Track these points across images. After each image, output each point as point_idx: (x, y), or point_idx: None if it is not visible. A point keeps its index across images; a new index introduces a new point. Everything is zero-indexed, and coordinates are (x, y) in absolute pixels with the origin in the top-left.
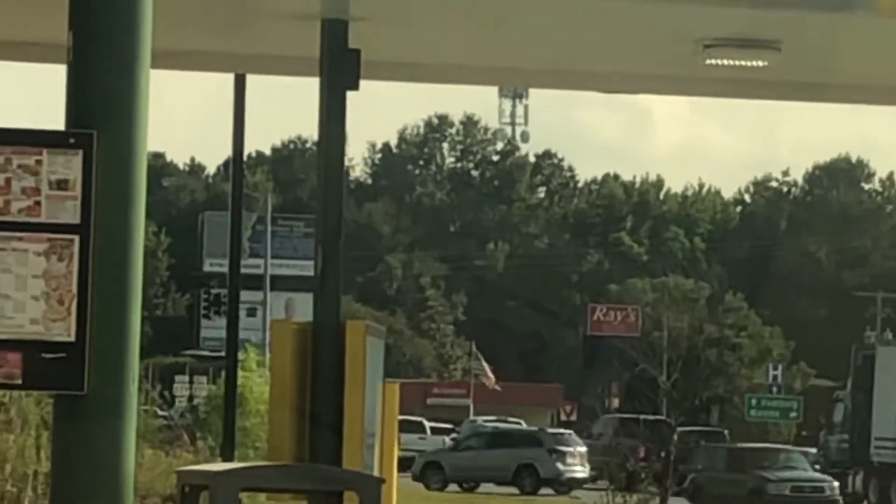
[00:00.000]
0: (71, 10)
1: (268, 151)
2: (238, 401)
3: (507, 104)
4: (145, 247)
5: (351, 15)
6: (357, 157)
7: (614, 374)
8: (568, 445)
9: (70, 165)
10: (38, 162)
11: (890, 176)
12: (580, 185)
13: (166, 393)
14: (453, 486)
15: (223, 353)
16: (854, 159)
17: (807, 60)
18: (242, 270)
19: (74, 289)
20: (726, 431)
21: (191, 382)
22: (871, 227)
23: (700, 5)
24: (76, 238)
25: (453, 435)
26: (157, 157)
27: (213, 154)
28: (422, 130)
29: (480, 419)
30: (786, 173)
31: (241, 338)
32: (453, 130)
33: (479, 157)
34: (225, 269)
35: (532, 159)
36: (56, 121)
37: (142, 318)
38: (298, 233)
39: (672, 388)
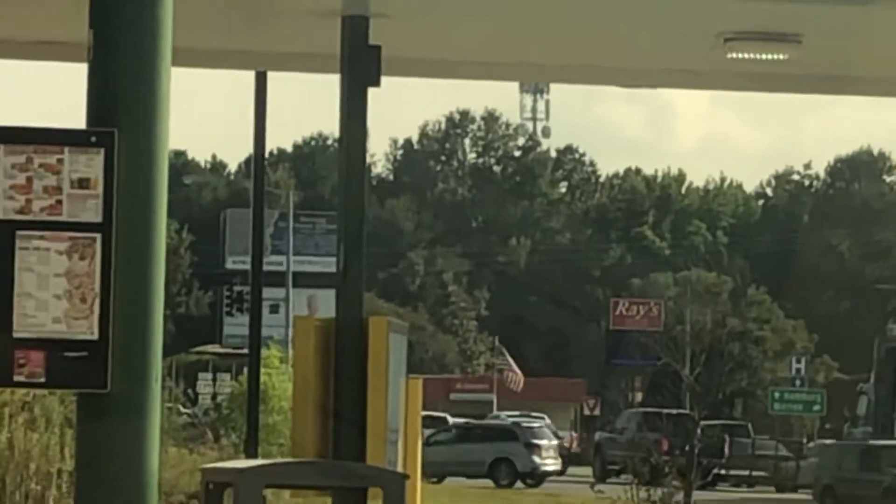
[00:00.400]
0: (91, 8)
1: (289, 148)
2: (261, 398)
3: (529, 99)
4: (167, 244)
5: (371, 11)
6: (379, 153)
7: (637, 369)
8: (542, 438)
9: (91, 164)
10: (60, 161)
11: None
12: (602, 179)
13: (190, 391)
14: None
15: (246, 350)
16: (876, 152)
17: (828, 53)
18: (265, 267)
19: (97, 287)
20: (749, 425)
21: (214, 380)
22: (894, 219)
23: None
24: (98, 236)
25: None
26: (179, 154)
27: (235, 151)
28: (443, 126)
29: (503, 414)
30: (807, 166)
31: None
32: (474, 126)
33: (500, 152)
34: (247, 267)
35: (553, 154)
36: (77, 120)
37: (164, 315)
38: (320, 229)
39: (695, 382)
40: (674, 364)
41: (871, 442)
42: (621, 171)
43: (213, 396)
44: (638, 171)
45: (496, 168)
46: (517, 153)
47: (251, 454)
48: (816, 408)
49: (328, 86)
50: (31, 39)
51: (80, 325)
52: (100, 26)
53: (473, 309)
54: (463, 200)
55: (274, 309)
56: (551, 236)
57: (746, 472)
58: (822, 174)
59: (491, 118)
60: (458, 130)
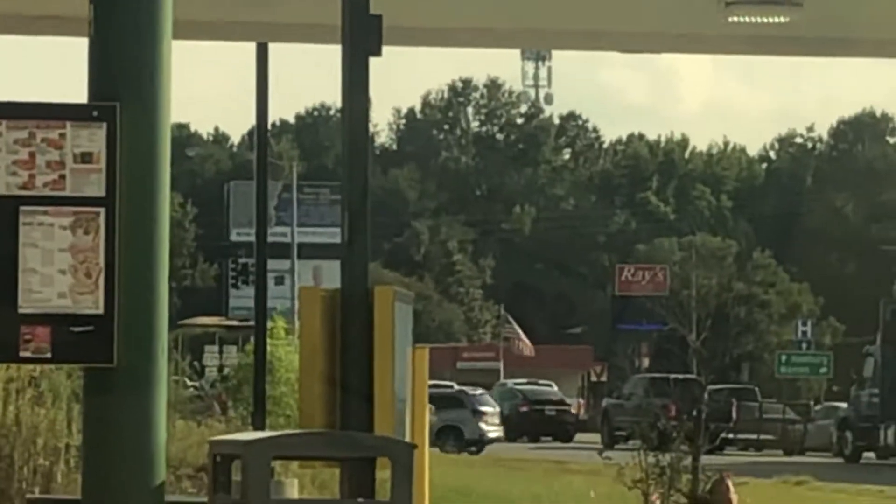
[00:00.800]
0: None
1: (292, 120)
2: (267, 369)
3: (531, 66)
4: (171, 218)
5: None
6: (382, 123)
7: (643, 334)
8: (487, 405)
9: (94, 138)
10: (62, 136)
11: None
12: (605, 145)
13: (196, 363)
14: None
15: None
16: (879, 113)
17: (828, 16)
18: (269, 239)
19: (101, 262)
20: (757, 388)
21: (220, 352)
22: None
23: None
24: (102, 211)
25: None
26: (181, 127)
27: (238, 123)
28: (445, 95)
29: (511, 382)
30: (810, 129)
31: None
32: (477, 94)
33: (503, 120)
34: (252, 239)
35: (556, 121)
36: (79, 94)
37: (169, 289)
38: (324, 200)
39: (702, 347)
40: (680, 329)
41: None
42: (624, 137)
43: (220, 369)
44: (641, 136)
45: (499, 136)
46: (520, 121)
47: (258, 426)
48: (823, 370)
49: (330, 56)
50: (32, 14)
51: (85, 299)
52: (100, 0)
53: (479, 277)
54: (467, 169)
55: (279, 280)
56: (555, 203)
57: (754, 436)
58: (825, 136)
59: (493, 86)
60: (461, 99)
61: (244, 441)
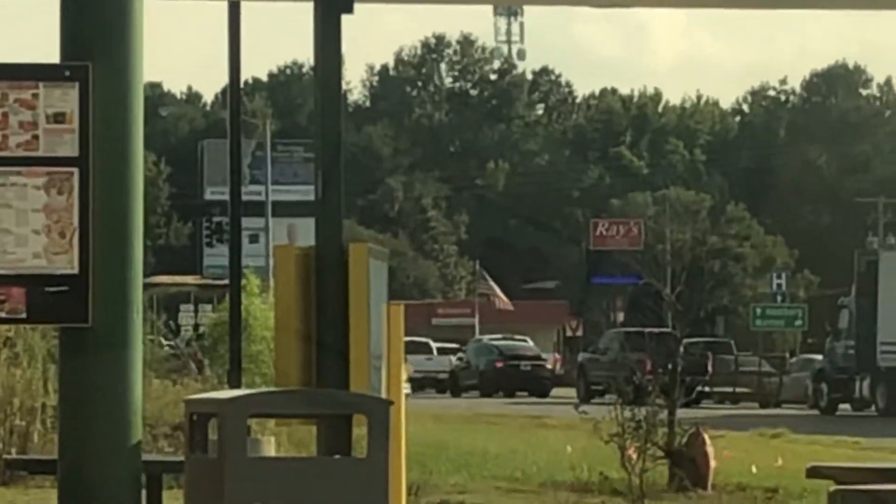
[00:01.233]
0: None
1: (265, 78)
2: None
3: (503, 22)
4: (145, 177)
5: None
6: (355, 80)
7: (618, 288)
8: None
9: (66, 98)
10: (35, 96)
11: (888, 81)
12: (578, 100)
13: (171, 322)
14: None
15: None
16: (851, 65)
17: None
18: (243, 197)
19: (75, 221)
20: (732, 342)
21: (196, 311)
22: (871, 132)
23: None
24: (75, 171)
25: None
26: (154, 86)
27: (211, 82)
28: (419, 51)
29: (486, 338)
30: (783, 82)
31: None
32: (450, 51)
33: (476, 76)
34: (226, 197)
35: (529, 77)
36: (51, 55)
37: (144, 248)
38: (298, 158)
39: (676, 301)
40: (655, 283)
41: None
42: (597, 92)
43: (195, 328)
44: (614, 91)
45: (473, 92)
46: (493, 77)
47: (234, 384)
48: (798, 323)
49: (302, 14)
50: None
51: (59, 259)
52: None
53: (453, 233)
54: (440, 125)
55: (254, 239)
56: (529, 159)
57: (730, 389)
58: (798, 89)
59: (466, 42)
60: (434, 55)
61: (220, 399)
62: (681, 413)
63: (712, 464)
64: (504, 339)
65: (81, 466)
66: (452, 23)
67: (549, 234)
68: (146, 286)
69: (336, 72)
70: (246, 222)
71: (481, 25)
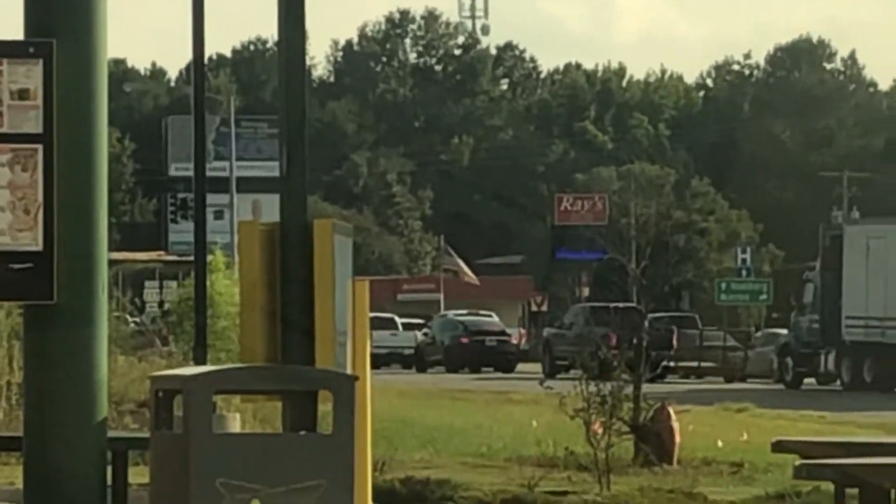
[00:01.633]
0: None
1: (229, 54)
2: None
3: None
4: (110, 153)
5: None
6: (319, 55)
7: (583, 263)
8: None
9: (30, 75)
10: None
11: (852, 55)
12: (542, 75)
13: (137, 299)
14: None
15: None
16: (815, 39)
17: None
18: (208, 173)
19: (40, 198)
20: (697, 316)
21: (161, 288)
22: (835, 106)
23: None
24: (39, 147)
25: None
26: (118, 63)
27: (175, 58)
28: (383, 26)
29: (451, 313)
30: (747, 56)
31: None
32: (414, 26)
33: (441, 51)
34: (190, 173)
35: (493, 52)
36: (15, 30)
37: (109, 224)
38: (262, 134)
39: (641, 275)
40: (620, 258)
41: None
42: (562, 67)
43: (160, 304)
44: (578, 65)
45: (437, 67)
46: (457, 52)
47: (200, 361)
48: (763, 297)
49: None
50: None
51: (24, 236)
52: None
53: (418, 209)
54: (405, 100)
55: (218, 215)
56: (494, 134)
57: (695, 364)
58: (762, 63)
59: (431, 17)
60: (398, 30)
61: (186, 376)
62: (646, 388)
63: (677, 438)
64: (469, 314)
65: (47, 443)
66: None
67: (513, 209)
68: (111, 263)
69: (300, 47)
70: (211, 198)
71: (445, 1)
